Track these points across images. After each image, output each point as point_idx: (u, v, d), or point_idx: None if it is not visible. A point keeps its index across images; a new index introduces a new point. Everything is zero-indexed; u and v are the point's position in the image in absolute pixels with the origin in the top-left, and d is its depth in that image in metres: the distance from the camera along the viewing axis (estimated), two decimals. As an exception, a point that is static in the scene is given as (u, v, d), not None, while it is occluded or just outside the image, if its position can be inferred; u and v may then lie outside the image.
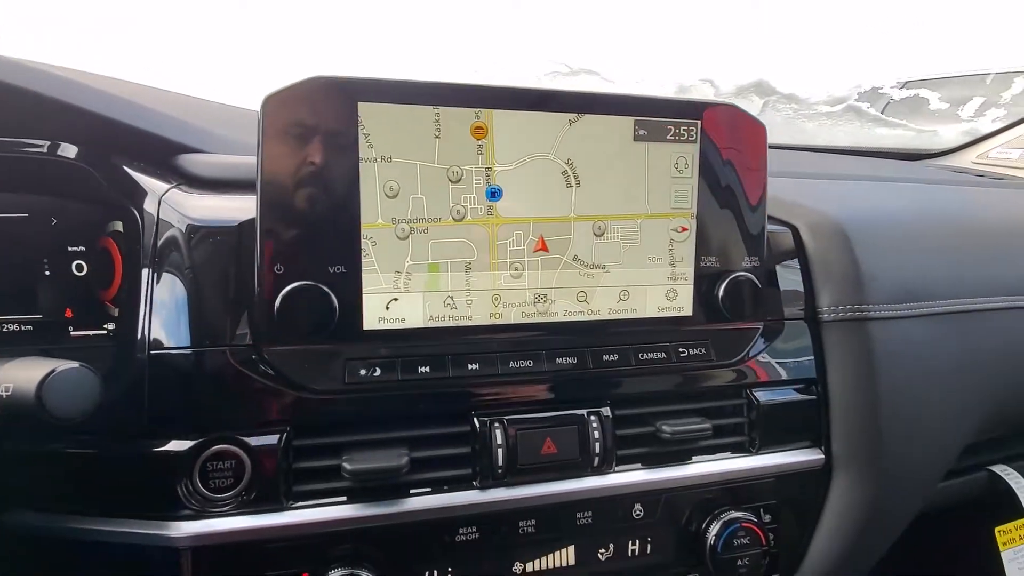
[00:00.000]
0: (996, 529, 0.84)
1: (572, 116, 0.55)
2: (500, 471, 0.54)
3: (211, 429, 0.50)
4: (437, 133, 0.52)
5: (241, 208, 0.53)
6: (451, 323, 0.54)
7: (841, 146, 1.54)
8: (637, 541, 0.60)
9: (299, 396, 0.51)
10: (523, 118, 0.54)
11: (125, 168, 0.56)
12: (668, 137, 0.58)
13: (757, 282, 0.61)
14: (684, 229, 0.60)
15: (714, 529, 0.58)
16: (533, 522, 0.56)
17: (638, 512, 0.59)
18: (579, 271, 0.57)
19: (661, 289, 0.60)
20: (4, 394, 0.40)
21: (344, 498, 0.51)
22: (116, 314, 0.55)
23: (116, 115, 0.57)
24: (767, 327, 0.65)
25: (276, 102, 0.48)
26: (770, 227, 0.67)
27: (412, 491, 0.53)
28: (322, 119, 0.49)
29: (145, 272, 0.51)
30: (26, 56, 0.59)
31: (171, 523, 0.48)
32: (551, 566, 0.57)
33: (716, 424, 0.60)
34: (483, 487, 0.54)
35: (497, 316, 0.56)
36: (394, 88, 0.51)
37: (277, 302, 0.49)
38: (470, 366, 0.55)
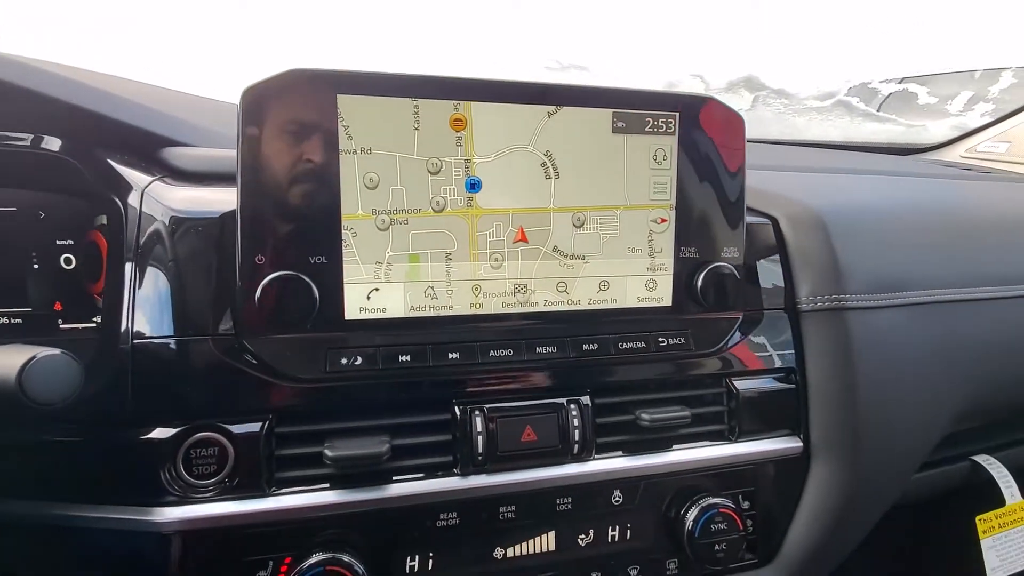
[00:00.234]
0: (977, 518, 0.85)
1: (551, 108, 0.56)
2: (480, 458, 0.55)
3: (194, 417, 0.50)
4: (416, 125, 0.53)
5: (223, 200, 0.53)
6: (432, 313, 0.55)
7: (831, 141, 1.55)
8: (617, 527, 0.61)
9: (281, 385, 0.52)
10: (502, 110, 0.55)
11: (109, 161, 0.57)
12: (646, 129, 0.59)
13: (736, 273, 0.62)
14: (663, 220, 0.60)
15: (692, 514, 0.59)
16: (513, 508, 0.57)
17: (617, 498, 0.60)
18: (559, 262, 0.58)
19: (641, 279, 0.61)
20: (-15, 381, 0.41)
21: (326, 484, 0.52)
22: (103, 306, 0.55)
23: (99, 108, 0.58)
24: (747, 317, 0.65)
25: (255, 94, 0.49)
26: (751, 219, 0.68)
27: (394, 478, 0.53)
28: (301, 111, 0.50)
29: (129, 263, 0.52)
30: (9, 50, 0.59)
31: (155, 509, 0.49)
32: (532, 551, 0.58)
33: (696, 412, 0.61)
34: (464, 474, 0.55)
35: (477, 306, 0.56)
36: (373, 80, 0.51)
37: (258, 292, 0.50)
38: (450, 355, 0.55)
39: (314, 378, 0.52)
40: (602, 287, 0.60)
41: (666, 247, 0.61)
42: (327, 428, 0.53)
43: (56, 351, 0.43)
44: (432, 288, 0.55)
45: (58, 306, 0.58)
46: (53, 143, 0.56)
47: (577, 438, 0.57)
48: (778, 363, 0.66)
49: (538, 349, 0.58)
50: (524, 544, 0.58)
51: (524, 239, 0.57)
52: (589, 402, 0.59)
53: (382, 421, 0.54)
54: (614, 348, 0.60)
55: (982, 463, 0.87)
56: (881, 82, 1.76)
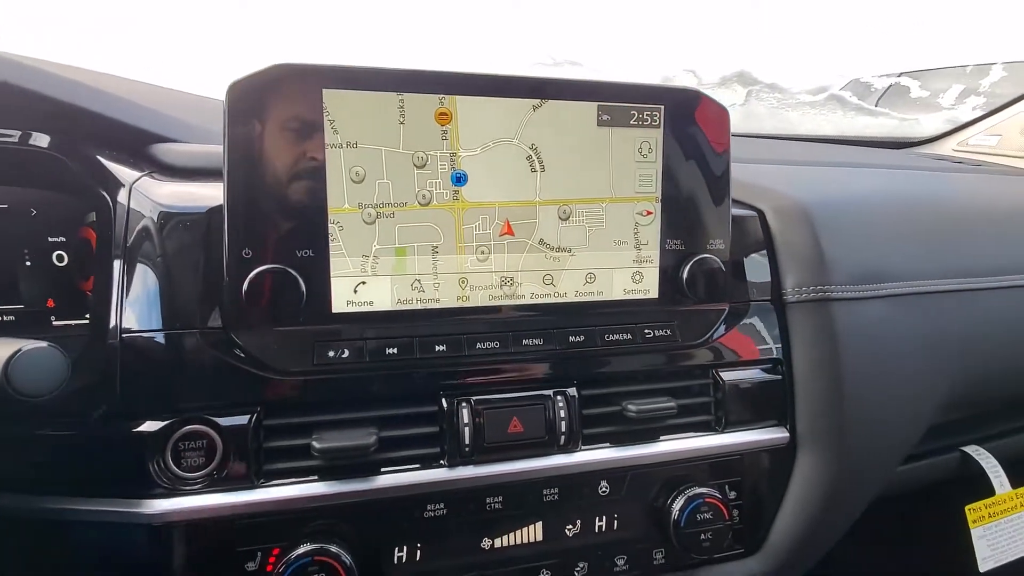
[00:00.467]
0: (966, 508, 0.85)
1: (536, 102, 0.56)
2: (467, 449, 0.55)
3: (182, 410, 0.51)
4: (402, 119, 0.53)
5: (211, 195, 0.54)
6: (419, 306, 0.56)
7: (824, 135, 1.56)
8: (604, 517, 0.61)
9: (269, 377, 0.52)
10: (487, 104, 0.55)
11: (97, 157, 0.57)
12: (632, 122, 0.59)
13: (722, 265, 0.62)
14: (649, 213, 0.61)
15: (678, 504, 0.60)
16: (500, 499, 0.57)
17: (604, 489, 0.60)
18: (545, 254, 0.58)
19: (627, 272, 0.61)
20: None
21: (314, 476, 0.53)
22: (92, 301, 0.56)
23: (88, 105, 0.58)
24: (733, 309, 0.66)
25: (240, 89, 0.49)
26: (737, 211, 0.68)
27: (381, 469, 0.54)
28: (287, 106, 0.50)
29: (117, 258, 0.52)
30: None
31: (144, 501, 0.49)
32: (519, 542, 0.59)
33: (682, 403, 0.62)
34: (451, 465, 0.55)
35: (464, 299, 0.57)
36: (358, 75, 0.52)
37: (245, 285, 0.50)
38: (437, 348, 0.56)
39: (302, 371, 0.53)
40: (588, 279, 0.60)
41: (652, 239, 0.61)
42: (315, 420, 0.53)
43: (43, 344, 0.43)
44: (419, 281, 0.55)
45: (51, 303, 0.59)
46: (42, 139, 0.56)
47: (563, 429, 0.58)
48: (764, 354, 0.66)
49: (524, 341, 0.58)
50: (511, 535, 0.58)
51: (510, 232, 0.57)
52: (576, 394, 0.59)
53: (370, 413, 0.55)
54: (600, 340, 0.60)
55: (971, 453, 0.88)
56: (874, 76, 1.76)
